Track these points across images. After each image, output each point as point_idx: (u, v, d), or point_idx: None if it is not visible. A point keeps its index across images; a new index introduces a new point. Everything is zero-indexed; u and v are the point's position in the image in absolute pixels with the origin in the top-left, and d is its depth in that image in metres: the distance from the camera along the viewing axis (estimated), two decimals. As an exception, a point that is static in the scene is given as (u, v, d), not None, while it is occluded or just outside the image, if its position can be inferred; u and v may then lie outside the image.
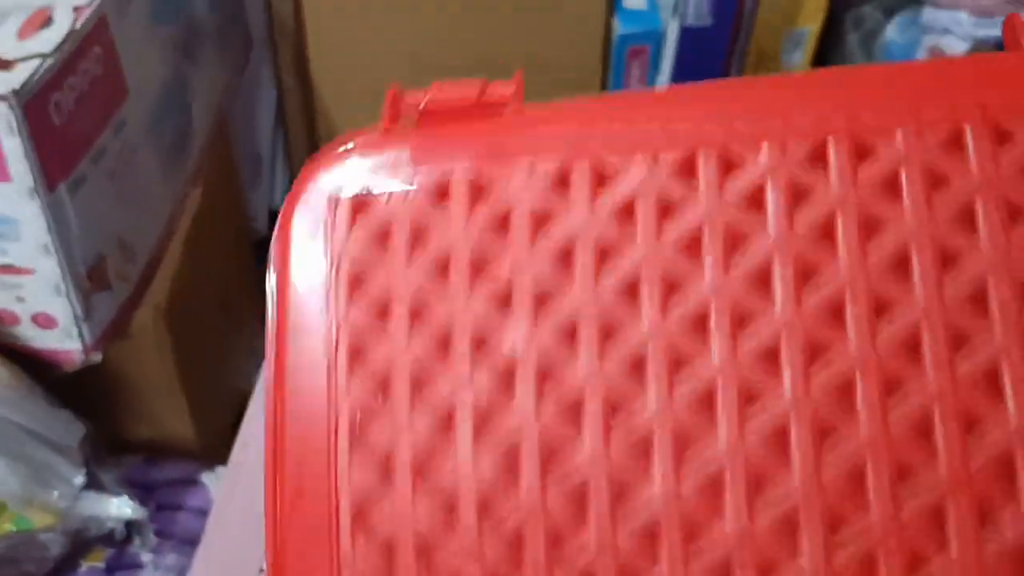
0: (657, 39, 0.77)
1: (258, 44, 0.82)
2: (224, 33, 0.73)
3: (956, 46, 0.83)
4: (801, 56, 0.89)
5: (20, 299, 0.51)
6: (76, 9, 0.50)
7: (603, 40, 0.77)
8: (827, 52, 0.91)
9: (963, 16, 0.83)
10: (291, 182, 0.85)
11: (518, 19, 0.75)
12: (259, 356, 0.79)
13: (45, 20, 0.49)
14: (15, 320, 0.53)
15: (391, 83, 0.76)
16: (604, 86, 0.80)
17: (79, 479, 0.56)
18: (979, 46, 0.83)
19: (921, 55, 0.83)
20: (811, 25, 0.88)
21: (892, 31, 0.87)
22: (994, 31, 0.83)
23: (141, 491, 0.62)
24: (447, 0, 0.74)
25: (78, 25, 0.49)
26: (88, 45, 0.50)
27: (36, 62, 0.46)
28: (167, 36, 0.61)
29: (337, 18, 0.75)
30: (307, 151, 0.87)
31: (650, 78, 0.80)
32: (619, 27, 0.77)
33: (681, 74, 0.79)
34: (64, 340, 0.54)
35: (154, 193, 0.61)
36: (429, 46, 0.76)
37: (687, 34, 0.76)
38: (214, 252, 0.70)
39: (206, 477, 0.67)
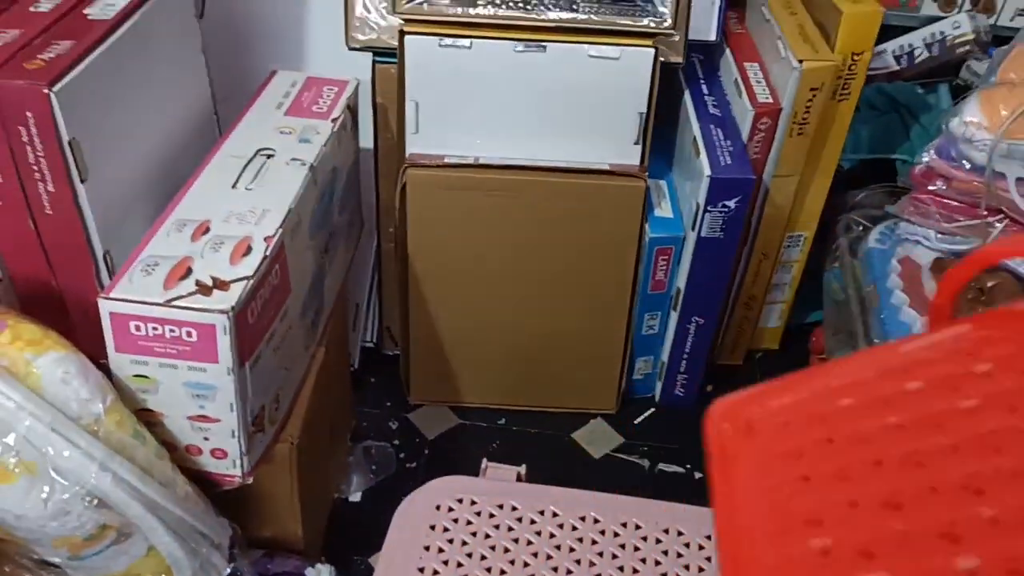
0: (679, 242, 0.98)
1: (367, 222, 1.04)
2: (349, 224, 0.95)
3: (924, 255, 1.01)
4: (798, 254, 1.09)
5: (206, 438, 0.72)
6: (267, 239, 0.71)
7: (638, 239, 0.98)
8: (820, 251, 1.10)
9: (931, 233, 1.02)
10: (380, 325, 1.06)
11: (573, 223, 0.96)
12: (348, 469, 0.99)
13: (247, 248, 0.70)
14: (199, 452, 0.73)
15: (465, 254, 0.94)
16: (636, 274, 1.00)
17: (227, 570, 0.76)
18: (943, 257, 1.01)
19: (895, 262, 1.01)
20: (806, 232, 1.08)
21: (873, 238, 1.06)
22: (956, 247, 1.01)
23: (261, 579, 0.82)
24: (513, 205, 0.95)
25: (268, 251, 0.70)
26: (272, 265, 0.71)
27: (243, 283, 0.67)
28: (317, 243, 0.82)
29: (431, 207, 0.96)
30: (398, 302, 1.07)
31: (671, 271, 1.00)
32: (650, 231, 0.98)
33: (697, 268, 1.00)
34: (230, 468, 0.74)
35: (298, 358, 0.81)
36: (501, 229, 0.97)
37: (702, 241, 0.97)
38: (329, 391, 0.91)
39: (309, 572, 0.86)
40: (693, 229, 0.96)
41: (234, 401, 0.69)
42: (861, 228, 1.09)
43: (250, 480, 0.75)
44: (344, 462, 1.01)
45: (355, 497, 1.00)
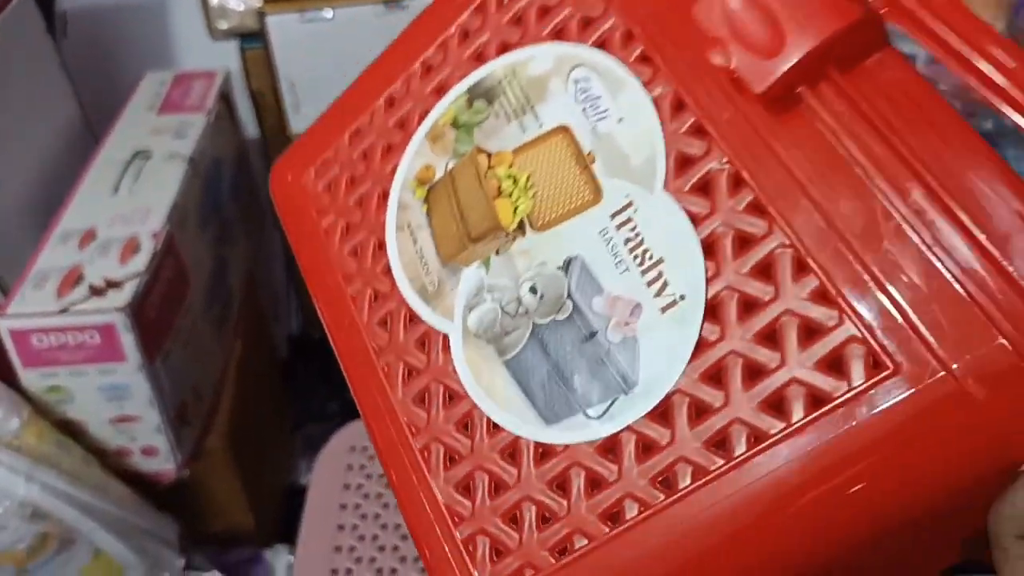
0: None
1: (268, 210, 1.05)
2: (246, 216, 0.96)
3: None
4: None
5: (133, 438, 0.73)
6: (154, 235, 0.72)
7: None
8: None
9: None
10: (302, 313, 1.07)
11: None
12: (293, 456, 1.01)
13: (135, 247, 0.71)
14: (129, 453, 0.74)
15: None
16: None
17: (180, 562, 0.77)
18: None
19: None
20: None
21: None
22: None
23: (220, 569, 0.83)
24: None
25: (157, 247, 0.71)
26: (164, 259, 0.72)
27: (136, 280, 0.68)
28: (210, 235, 0.83)
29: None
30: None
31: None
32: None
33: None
34: (163, 464, 0.75)
35: (210, 350, 0.83)
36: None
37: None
38: (255, 381, 0.92)
39: (267, 553, 0.87)
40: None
41: (152, 396, 0.70)
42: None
43: (186, 473, 0.76)
44: (289, 449, 1.03)
45: (306, 480, 1.01)
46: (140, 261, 0.69)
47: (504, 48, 0.42)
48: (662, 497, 0.32)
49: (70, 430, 0.70)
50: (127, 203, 0.75)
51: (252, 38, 0.93)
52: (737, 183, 0.33)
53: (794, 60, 0.31)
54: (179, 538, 0.78)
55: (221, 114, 0.88)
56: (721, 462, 0.31)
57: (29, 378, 0.68)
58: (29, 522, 0.65)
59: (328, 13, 0.89)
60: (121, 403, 0.70)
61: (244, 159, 0.96)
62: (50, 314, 0.65)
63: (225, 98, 0.90)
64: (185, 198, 0.77)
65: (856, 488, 0.29)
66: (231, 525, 0.87)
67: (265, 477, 0.94)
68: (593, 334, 0.35)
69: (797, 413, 0.30)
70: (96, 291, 0.67)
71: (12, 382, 0.68)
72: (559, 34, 0.41)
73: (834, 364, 0.30)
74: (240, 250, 0.93)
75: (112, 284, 0.67)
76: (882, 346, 0.29)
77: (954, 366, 0.28)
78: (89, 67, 0.92)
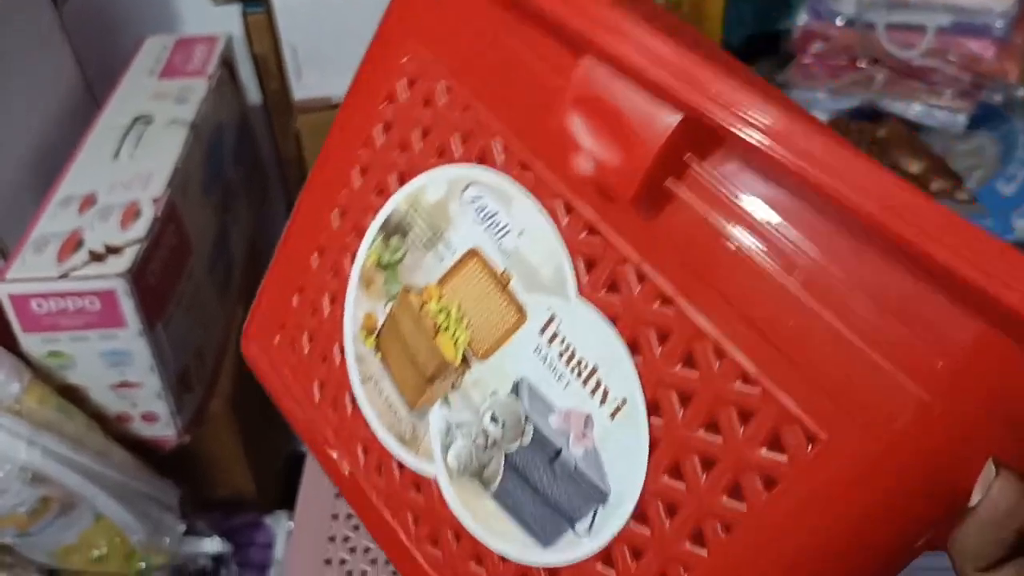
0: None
1: (272, 176, 1.05)
2: (249, 182, 0.95)
3: (818, 118, 1.03)
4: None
5: (134, 404, 0.73)
6: (155, 201, 0.72)
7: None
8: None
9: (821, 95, 1.04)
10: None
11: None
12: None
13: (136, 213, 0.71)
14: (129, 419, 0.74)
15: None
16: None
17: (181, 527, 0.78)
18: (836, 116, 1.04)
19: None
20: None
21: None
22: (845, 104, 1.04)
23: (222, 534, 0.84)
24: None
25: (158, 213, 0.71)
26: (166, 225, 0.72)
27: (137, 246, 0.68)
28: (213, 200, 0.83)
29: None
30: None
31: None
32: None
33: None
34: (164, 430, 0.75)
35: (214, 315, 0.83)
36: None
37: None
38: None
39: (267, 519, 0.88)
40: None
41: (153, 363, 0.70)
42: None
43: (187, 439, 0.77)
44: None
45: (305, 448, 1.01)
46: (141, 227, 0.69)
47: (401, 178, 0.42)
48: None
49: (71, 396, 0.70)
50: (128, 169, 0.74)
51: (254, 3, 0.92)
52: (641, 278, 0.33)
53: (650, 159, 0.31)
54: (180, 503, 0.78)
55: (223, 79, 0.87)
56: (704, 553, 0.32)
57: (29, 343, 0.68)
58: (30, 486, 0.65)
59: (330, -25, 0.88)
60: (122, 369, 0.70)
61: (246, 124, 0.95)
62: (50, 279, 0.65)
63: (227, 63, 0.89)
64: (187, 164, 0.76)
65: (818, 551, 0.30)
66: (233, 490, 0.88)
67: (268, 443, 0.95)
68: (558, 452, 0.35)
69: (754, 496, 0.30)
70: (96, 257, 0.66)
71: (13, 347, 0.68)
72: (443, 155, 0.40)
73: (774, 442, 0.30)
74: (242, 216, 0.92)
75: (112, 250, 0.67)
76: (811, 417, 0.29)
77: (875, 424, 0.28)
78: (90, 32, 0.91)
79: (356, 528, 0.75)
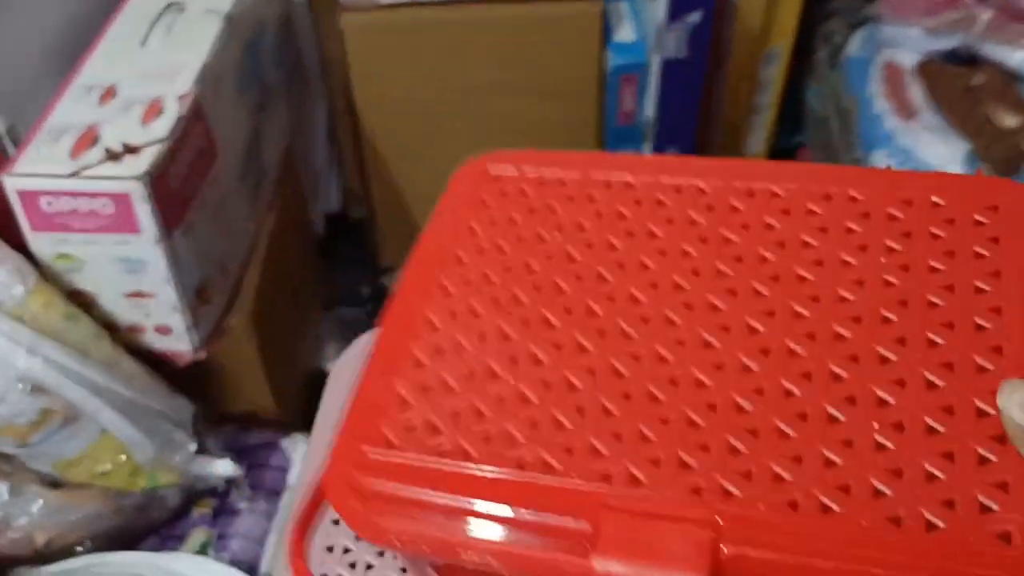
0: (643, 69, 0.92)
1: (313, 79, 0.98)
2: (288, 85, 0.89)
3: (908, 58, 0.94)
4: (776, 71, 1.02)
5: (147, 315, 0.68)
6: (181, 97, 0.66)
7: (598, 70, 0.91)
8: (799, 69, 1.04)
9: (914, 32, 0.95)
10: (343, 190, 1.01)
11: (527, 58, 0.90)
12: (322, 339, 0.96)
13: (159, 110, 0.65)
14: (142, 330, 0.70)
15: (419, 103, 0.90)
16: (602, 107, 0.94)
17: (192, 446, 0.73)
18: (928, 57, 0.95)
19: (876, 69, 0.95)
20: (783, 42, 1.01)
21: (852, 46, 1.00)
22: (940, 44, 0.94)
23: (236, 454, 0.80)
24: (465, 41, 0.89)
25: (184, 111, 0.65)
26: (191, 126, 0.66)
27: (157, 147, 0.62)
28: (248, 101, 0.77)
29: (374, 55, 0.90)
30: (355, 162, 1.03)
31: (639, 101, 0.94)
32: (611, 59, 0.91)
33: (667, 94, 0.94)
34: (178, 343, 0.71)
35: (242, 225, 0.77)
36: (451, 72, 0.91)
37: (668, 65, 0.90)
38: (286, 259, 0.87)
39: (284, 441, 0.84)
40: (656, 51, 0.89)
41: (170, 274, 0.65)
42: (841, 37, 1.02)
43: (203, 355, 0.72)
44: (317, 332, 0.98)
45: (331, 366, 0.97)
46: (163, 125, 0.63)
47: None
48: None
49: (80, 302, 0.66)
50: (155, 59, 0.68)
51: None
52: None
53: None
54: (193, 420, 0.74)
55: (266, -31, 0.80)
56: None
57: (38, 243, 0.63)
58: (30, 396, 0.61)
59: None
60: (136, 277, 0.66)
61: (288, 24, 0.88)
62: (61, 176, 0.60)
63: (271, -48, 0.82)
64: (219, 59, 0.70)
65: None
66: (252, 407, 0.84)
67: (291, 359, 0.90)
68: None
69: None
70: (112, 155, 0.61)
71: (21, 247, 0.63)
72: None
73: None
74: (279, 121, 0.86)
75: (130, 149, 0.61)
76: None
77: None
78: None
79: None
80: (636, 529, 0.31)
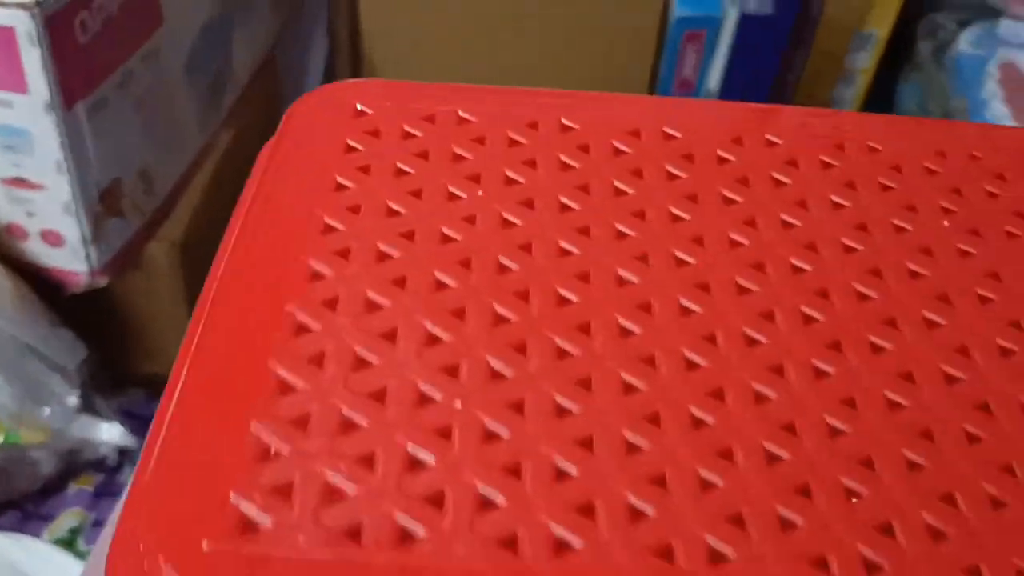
0: (715, 24, 0.75)
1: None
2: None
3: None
4: (867, 60, 0.86)
5: (30, 214, 0.51)
6: (115, -73, 0.49)
7: (659, 22, 0.75)
8: (896, 58, 0.87)
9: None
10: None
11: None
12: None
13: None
14: (23, 235, 0.53)
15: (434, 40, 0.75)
16: (655, 71, 0.77)
17: (73, 400, 0.56)
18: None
19: (993, 69, 0.79)
20: (880, 28, 0.85)
21: (964, 42, 0.84)
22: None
23: (140, 423, 0.62)
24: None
25: (114, -56, 0.49)
26: (123, -34, 0.49)
27: (65, -23, 0.46)
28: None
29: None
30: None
31: (704, 64, 0.77)
32: (677, 9, 0.75)
33: (737, 63, 0.77)
34: (71, 260, 0.54)
35: (186, 132, 0.60)
36: (473, 8, 0.75)
37: (746, 22, 0.74)
38: (238, 193, 0.70)
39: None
40: (734, 1, 0.73)
41: (62, 158, 0.49)
42: (951, 30, 0.86)
43: (103, 281, 0.55)
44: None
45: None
46: (80, -46, 0.47)
47: None
48: None
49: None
50: None
51: None
52: None
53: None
54: (81, 368, 0.57)
55: None
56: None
57: None
58: None
59: None
60: (16, 156, 0.49)
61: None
62: (-84, -11, 0.43)
63: None
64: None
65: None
66: (167, 367, 0.66)
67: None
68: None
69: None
70: (-3, -26, 0.44)
71: None
72: None
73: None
74: (259, 21, 0.70)
75: (25, -29, 0.45)
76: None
77: None
78: None
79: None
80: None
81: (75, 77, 0.47)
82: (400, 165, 0.26)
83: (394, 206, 0.24)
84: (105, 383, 0.61)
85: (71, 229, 0.52)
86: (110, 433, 0.57)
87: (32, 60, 0.45)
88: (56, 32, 0.45)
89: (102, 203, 0.52)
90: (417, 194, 0.25)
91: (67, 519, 0.59)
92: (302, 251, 0.23)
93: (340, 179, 0.25)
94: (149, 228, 0.58)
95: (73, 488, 0.60)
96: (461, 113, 0.27)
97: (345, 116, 0.27)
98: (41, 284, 0.55)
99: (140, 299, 0.61)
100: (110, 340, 0.62)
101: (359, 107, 0.27)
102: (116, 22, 0.50)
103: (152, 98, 0.55)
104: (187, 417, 0.20)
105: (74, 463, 0.60)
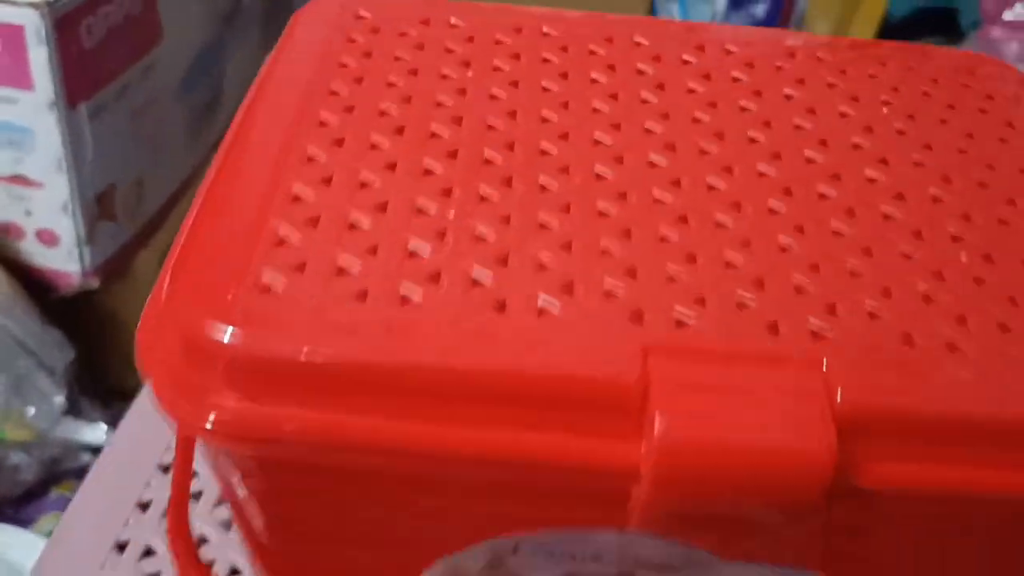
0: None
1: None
2: (269, 13, 0.76)
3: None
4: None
5: (28, 212, 0.53)
6: (124, -54, 0.52)
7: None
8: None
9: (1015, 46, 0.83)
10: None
11: None
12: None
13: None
14: (20, 234, 0.55)
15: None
16: None
17: (59, 399, 0.57)
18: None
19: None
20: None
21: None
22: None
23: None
24: None
25: (122, -42, 0.52)
26: (128, -20, 0.52)
27: (74, -18, 0.48)
28: (211, 3, 0.63)
29: None
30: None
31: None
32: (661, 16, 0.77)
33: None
34: (65, 261, 0.56)
35: (179, 146, 0.63)
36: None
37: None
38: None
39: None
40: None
41: (63, 156, 0.51)
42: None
43: (95, 283, 0.57)
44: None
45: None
46: (89, -36, 0.50)
47: None
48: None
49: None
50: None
51: None
52: None
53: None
54: (68, 369, 0.58)
55: None
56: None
57: None
58: None
59: None
60: (19, 154, 0.51)
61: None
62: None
63: None
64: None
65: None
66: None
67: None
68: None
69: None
70: (10, -23, 0.47)
71: None
72: None
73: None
74: (249, 50, 0.73)
75: (37, -24, 0.48)
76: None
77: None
78: None
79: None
80: (709, 380, 0.20)
81: (79, 78, 0.50)
82: (398, 54, 0.29)
83: (393, 80, 0.27)
84: (90, 387, 0.62)
85: (67, 229, 0.54)
86: (94, 435, 0.58)
87: (39, 58, 0.48)
88: (63, 33, 0.48)
89: (98, 205, 0.55)
90: (414, 72, 0.28)
91: (47, 523, 0.59)
92: (313, 107, 0.26)
93: (345, 60, 0.28)
94: (140, 237, 0.60)
95: (55, 493, 0.61)
96: (453, 20, 0.30)
97: (348, 18, 0.30)
98: (32, 288, 0.56)
99: (128, 308, 0.62)
100: (97, 349, 0.63)
101: (361, 12, 0.30)
102: (119, 32, 0.53)
103: (147, 111, 0.58)
104: (213, 208, 0.23)
105: (56, 471, 0.61)
